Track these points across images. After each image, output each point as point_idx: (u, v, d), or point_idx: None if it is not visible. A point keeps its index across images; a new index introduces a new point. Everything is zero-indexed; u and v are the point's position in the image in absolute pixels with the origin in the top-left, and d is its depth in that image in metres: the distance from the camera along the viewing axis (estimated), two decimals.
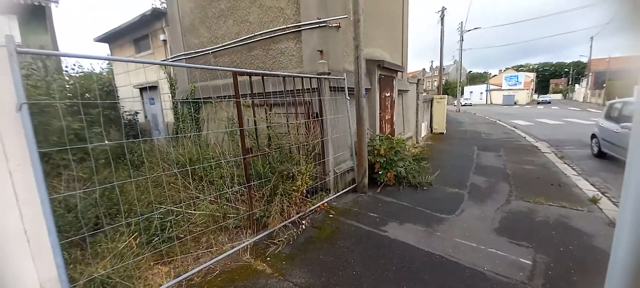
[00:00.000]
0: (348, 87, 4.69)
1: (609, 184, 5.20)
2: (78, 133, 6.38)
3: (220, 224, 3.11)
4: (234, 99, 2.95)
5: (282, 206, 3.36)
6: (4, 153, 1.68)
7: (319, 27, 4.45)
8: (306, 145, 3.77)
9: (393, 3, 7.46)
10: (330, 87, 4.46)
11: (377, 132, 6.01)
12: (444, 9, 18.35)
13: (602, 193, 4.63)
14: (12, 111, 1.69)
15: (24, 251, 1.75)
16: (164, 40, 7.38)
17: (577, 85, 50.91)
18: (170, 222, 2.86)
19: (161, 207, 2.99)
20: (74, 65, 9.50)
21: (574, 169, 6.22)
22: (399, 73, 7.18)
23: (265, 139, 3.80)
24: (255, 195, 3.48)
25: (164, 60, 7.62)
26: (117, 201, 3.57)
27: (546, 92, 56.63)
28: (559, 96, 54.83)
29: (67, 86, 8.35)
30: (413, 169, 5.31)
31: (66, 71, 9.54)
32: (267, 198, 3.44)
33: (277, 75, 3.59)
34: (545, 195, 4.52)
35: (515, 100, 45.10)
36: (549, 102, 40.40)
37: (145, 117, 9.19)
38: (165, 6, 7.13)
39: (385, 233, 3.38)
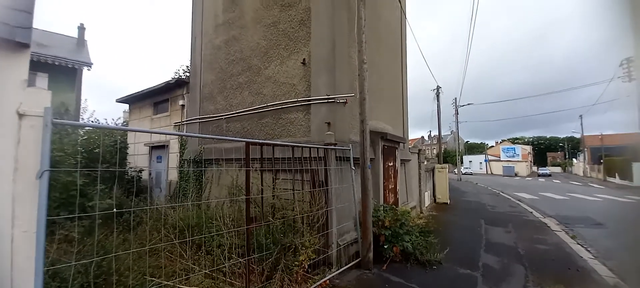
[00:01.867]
0: (353, 157, 4.80)
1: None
2: (81, 189, 6.34)
3: None
4: (245, 168, 3.00)
5: (282, 284, 3.13)
6: (11, 219, 1.66)
7: (328, 102, 4.78)
8: (311, 215, 3.69)
9: (394, 81, 8.13)
10: (336, 157, 4.57)
11: (381, 201, 5.92)
12: (438, 87, 19.89)
13: (622, 279, 4.31)
14: (31, 177, 1.73)
15: None
16: (182, 105, 7.88)
17: (574, 159, 51.70)
18: None
19: (153, 280, 2.79)
20: (90, 119, 9.94)
21: (588, 251, 5.91)
22: (400, 144, 7.41)
23: (270, 207, 3.74)
24: (254, 269, 3.28)
25: (179, 122, 8.00)
26: (106, 269, 3.36)
27: (544, 165, 57.27)
28: (558, 169, 55.23)
29: (78, 140, 8.62)
30: (420, 245, 5.07)
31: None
32: (267, 274, 3.22)
33: (287, 145, 3.73)
34: (564, 281, 4.22)
35: (516, 171, 45.35)
36: (550, 175, 40.56)
37: (149, 174, 9.22)
38: (188, 75, 7.82)
39: None
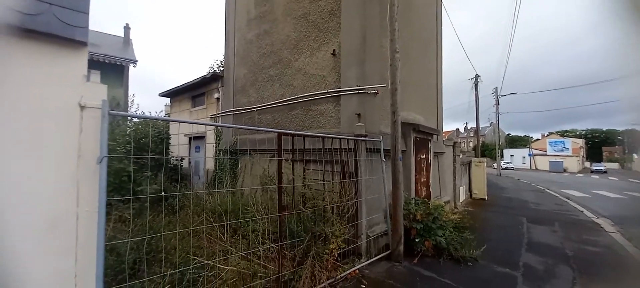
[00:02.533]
0: (384, 149, 4.71)
1: None
2: (130, 175, 6.99)
3: (248, 285, 3.02)
4: (276, 157, 3.09)
5: (313, 270, 3.21)
6: (76, 199, 1.89)
7: (358, 93, 4.71)
8: (341, 205, 3.71)
9: (428, 70, 7.77)
10: (366, 149, 4.52)
11: (413, 194, 5.77)
12: (477, 76, 18.58)
13: None
14: (92, 163, 1.94)
15: None
16: (217, 98, 8.29)
17: (634, 155, 45.73)
18: (203, 277, 2.84)
19: (195, 259, 3.02)
20: (138, 111, 10.83)
21: None
22: (434, 136, 7.11)
23: (300, 196, 3.83)
24: (286, 255, 3.39)
25: (215, 114, 8.43)
26: (155, 247, 3.69)
27: (599, 160, 51.32)
28: (615, 165, 49.25)
29: (128, 131, 9.46)
30: (454, 240, 4.87)
31: (131, 118, 10.88)
32: (299, 260, 3.32)
33: (318, 136, 3.76)
34: (617, 286, 3.81)
35: (564, 167, 41.33)
36: (605, 171, 36.29)
37: (189, 162, 9.88)
38: (223, 70, 8.17)
39: None
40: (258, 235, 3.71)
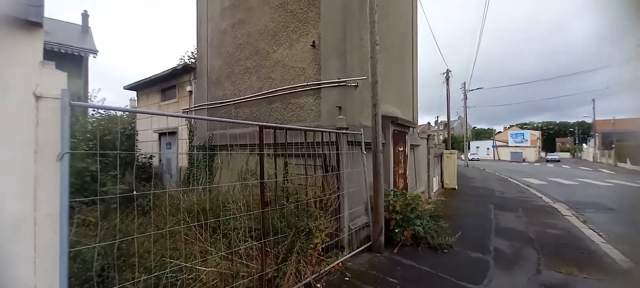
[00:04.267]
0: (364, 141, 4.75)
1: None
2: (94, 175, 6.45)
3: (231, 286, 2.90)
4: (258, 151, 2.98)
5: (298, 266, 3.16)
6: (34, 202, 1.67)
7: (338, 85, 4.68)
8: (324, 199, 3.68)
9: (404, 64, 7.93)
10: (347, 141, 4.52)
11: (391, 186, 5.90)
12: (448, 71, 19.41)
13: (636, 262, 4.26)
14: (52, 159, 1.72)
15: None
16: (190, 91, 7.85)
17: (584, 145, 50.83)
18: (181, 281, 2.68)
19: (172, 263, 2.84)
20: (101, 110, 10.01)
21: (600, 235, 5.85)
22: (410, 128, 7.31)
23: (283, 191, 3.74)
24: (269, 252, 3.31)
25: (188, 108, 7.99)
26: (126, 251, 3.43)
27: (553, 150, 56.38)
28: (567, 155, 54.40)
29: (89, 128, 8.69)
30: (431, 229, 5.07)
31: (92, 114, 10.03)
32: (282, 256, 3.25)
33: (300, 130, 3.68)
34: (577, 264, 4.20)
35: (524, 157, 44.84)
36: (558, 160, 39.99)
37: (160, 161, 9.33)
38: (195, 61, 7.73)
39: None
40: (239, 233, 3.58)
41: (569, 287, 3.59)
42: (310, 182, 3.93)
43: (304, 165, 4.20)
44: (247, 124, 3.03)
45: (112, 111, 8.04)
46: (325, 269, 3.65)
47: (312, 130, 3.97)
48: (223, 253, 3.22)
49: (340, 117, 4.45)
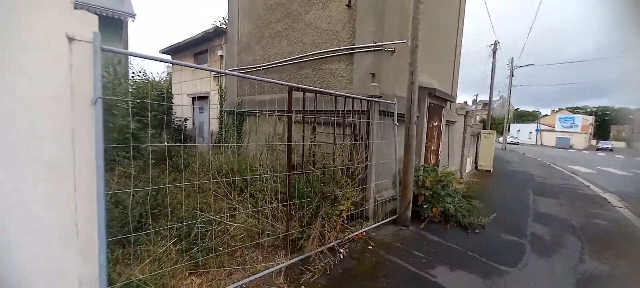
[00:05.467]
0: (397, 113, 4.48)
1: None
2: (134, 132, 6.88)
3: (256, 241, 2.97)
4: (286, 114, 2.89)
5: (322, 230, 3.14)
6: (72, 145, 1.72)
7: (373, 50, 4.36)
8: (352, 168, 3.57)
9: (447, 34, 7.23)
10: (379, 111, 4.28)
11: (422, 161, 5.62)
12: (496, 42, 17.53)
13: None
14: (87, 104, 1.75)
15: (70, 245, 1.74)
16: (221, 56, 7.88)
17: None
18: (211, 232, 2.78)
19: (203, 215, 2.95)
20: (140, 72, 10.53)
21: None
22: (448, 103, 6.80)
23: (310, 157, 3.68)
24: (294, 215, 3.32)
25: (219, 73, 8.08)
26: (161, 202, 3.64)
27: (606, 139, 50.55)
28: (621, 144, 48.60)
29: (131, 90, 9.20)
30: (463, 207, 4.81)
31: (132, 76, 10.58)
32: (307, 220, 3.25)
33: (330, 94, 3.51)
34: (627, 257, 3.78)
35: (571, 143, 40.88)
36: (611, 149, 35.89)
37: (193, 124, 9.72)
38: (226, 26, 7.66)
39: (434, 279, 2.98)
40: (265, 194, 3.63)
41: (617, 280, 3.25)
42: (338, 150, 3.82)
43: (333, 134, 4.07)
44: (277, 83, 2.92)
45: (150, 75, 8.36)
46: (349, 236, 3.63)
47: (343, 96, 3.78)
48: (250, 212, 3.29)
49: (373, 84, 4.18)
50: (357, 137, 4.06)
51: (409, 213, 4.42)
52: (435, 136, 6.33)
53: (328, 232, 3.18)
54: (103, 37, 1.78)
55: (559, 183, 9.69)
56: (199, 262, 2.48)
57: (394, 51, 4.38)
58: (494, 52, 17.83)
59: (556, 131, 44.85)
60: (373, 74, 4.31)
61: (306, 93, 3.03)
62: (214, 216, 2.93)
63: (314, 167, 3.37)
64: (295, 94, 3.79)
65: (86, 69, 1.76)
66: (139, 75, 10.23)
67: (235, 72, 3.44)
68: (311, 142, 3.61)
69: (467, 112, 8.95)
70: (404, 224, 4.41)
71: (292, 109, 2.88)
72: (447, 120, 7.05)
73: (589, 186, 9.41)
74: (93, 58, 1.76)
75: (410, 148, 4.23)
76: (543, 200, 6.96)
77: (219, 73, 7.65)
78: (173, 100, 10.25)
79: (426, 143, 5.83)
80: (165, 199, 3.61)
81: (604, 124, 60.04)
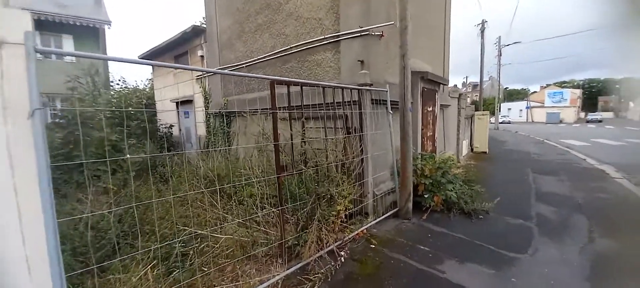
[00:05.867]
0: (390, 100, 4.24)
1: None
2: (115, 144, 6.51)
3: (249, 254, 2.71)
4: (270, 110, 2.62)
5: (319, 234, 2.91)
6: (10, 168, 1.43)
7: (360, 36, 4.09)
8: (346, 163, 3.32)
9: (435, 14, 6.99)
10: (371, 100, 4.03)
11: (419, 149, 5.41)
12: (484, 21, 17.39)
13: None
14: (23, 117, 1.46)
15: (23, 284, 1.46)
16: (202, 56, 7.51)
17: (631, 103, 45.75)
18: (196, 249, 2.51)
19: (185, 229, 2.67)
20: (119, 81, 10.08)
21: None
22: (441, 86, 6.58)
23: (301, 155, 3.41)
24: (289, 219, 3.07)
25: (200, 76, 7.71)
26: (141, 218, 3.35)
27: (594, 110, 51.32)
28: (610, 115, 49.44)
29: (113, 100, 8.78)
30: (465, 193, 4.62)
31: (112, 85, 10.11)
32: (303, 224, 3.00)
33: (317, 85, 3.24)
34: (634, 233, 3.66)
35: (561, 118, 41.40)
36: (601, 121, 36.49)
37: (180, 130, 9.35)
38: (205, 24, 7.28)
39: (443, 275, 2.77)
40: (256, 199, 3.36)
41: (629, 257, 3.09)
42: (330, 146, 3.56)
43: (324, 128, 3.81)
44: (256, 77, 2.64)
45: (136, 83, 7.95)
46: (349, 237, 3.40)
47: (331, 87, 3.51)
48: (239, 221, 3.03)
49: (362, 72, 3.92)
50: (350, 130, 3.81)
51: (410, 205, 4.21)
52: (431, 121, 6.12)
53: (326, 234, 2.94)
54: (81, 48, 1.51)
55: (555, 159, 9.63)
56: (182, 286, 2.21)
57: (382, 35, 4.13)
58: (482, 31, 17.69)
59: (546, 107, 45.37)
60: (362, 61, 4.05)
61: (291, 86, 2.76)
62: (200, 230, 2.65)
63: (305, 166, 3.11)
64: (280, 89, 3.50)
65: (20, 76, 1.46)
66: (118, 84, 9.80)
67: (214, 69, 3.13)
68: (301, 140, 3.34)
69: (460, 95, 8.78)
70: (405, 217, 4.20)
71: (276, 105, 2.61)
72: (441, 104, 6.85)
73: (585, 159, 9.37)
74: (26, 63, 1.46)
75: (407, 137, 4.00)
76: (543, 178, 6.85)
77: (196, 70, 7.30)
78: (157, 107, 9.85)
79: (422, 129, 5.62)
80: (147, 213, 3.33)
81: (591, 96, 60.99)
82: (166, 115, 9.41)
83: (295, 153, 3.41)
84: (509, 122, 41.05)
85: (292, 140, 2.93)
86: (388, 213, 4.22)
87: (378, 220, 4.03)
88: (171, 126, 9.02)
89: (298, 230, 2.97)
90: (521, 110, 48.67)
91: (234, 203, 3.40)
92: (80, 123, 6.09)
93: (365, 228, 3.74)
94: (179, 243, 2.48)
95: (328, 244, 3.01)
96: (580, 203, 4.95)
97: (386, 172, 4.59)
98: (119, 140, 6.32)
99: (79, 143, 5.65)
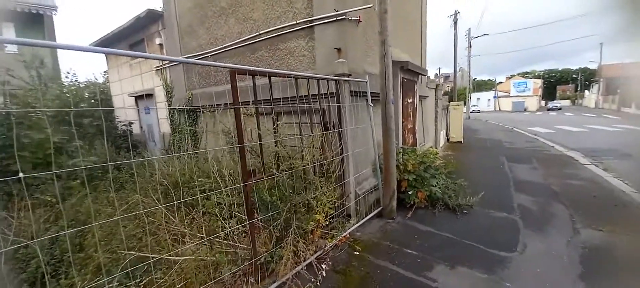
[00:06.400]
0: (371, 92, 3.91)
1: None
2: (60, 147, 5.65)
3: (214, 278, 2.27)
4: (232, 107, 2.17)
5: (296, 247, 2.53)
6: None
7: (336, 21, 3.70)
8: (324, 163, 2.95)
9: (412, 3, 6.73)
10: (350, 92, 3.67)
11: (400, 143, 5.18)
12: (457, 12, 17.63)
13: None
14: None
15: None
16: (160, 44, 6.72)
17: (586, 91, 49.71)
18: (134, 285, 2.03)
19: (131, 254, 2.17)
20: (68, 73, 8.92)
21: (627, 185, 5.31)
22: (420, 77, 6.40)
23: (273, 157, 2.99)
24: (261, 232, 2.66)
25: (159, 66, 6.93)
26: (81, 240, 2.78)
27: (553, 99, 55.17)
28: (567, 102, 53.51)
29: (66, 95, 7.70)
30: (448, 188, 4.46)
31: (67, 79, 8.93)
32: (277, 236, 2.61)
33: (289, 75, 2.81)
34: (615, 220, 3.68)
35: (526, 106, 44.00)
36: (560, 108, 39.26)
37: (141, 127, 8.48)
38: (162, 8, 6.49)
39: (434, 284, 2.52)
40: (224, 209, 2.90)
41: (616, 247, 3.05)
42: (306, 144, 3.17)
43: (298, 124, 3.41)
44: (216, 65, 2.18)
45: (92, 76, 6.99)
46: (330, 245, 3.06)
47: (305, 77, 3.10)
48: (202, 236, 2.56)
49: (339, 60, 3.54)
50: (328, 125, 3.43)
51: (394, 203, 3.96)
52: (411, 113, 5.92)
53: (304, 247, 2.57)
54: (25, 37, 0.98)
55: (526, 147, 9.96)
56: None
57: (359, 20, 3.76)
58: (455, 22, 17.97)
59: (512, 96, 47.93)
60: (338, 49, 3.67)
61: (256, 76, 2.31)
62: (150, 254, 2.17)
63: (278, 169, 2.69)
64: (246, 81, 3.04)
65: None
66: (67, 78, 8.69)
67: (168, 57, 2.68)
68: (273, 140, 2.92)
69: (437, 85, 8.72)
70: (390, 216, 3.94)
71: (239, 99, 2.16)
72: (420, 96, 6.68)
73: (553, 146, 9.77)
74: None
75: (390, 131, 3.70)
76: (517, 166, 6.96)
77: (150, 58, 6.54)
78: (112, 102, 8.87)
79: (403, 122, 5.39)
80: (88, 236, 2.77)
81: (550, 85, 65.53)
82: (125, 111, 8.49)
83: (266, 155, 2.98)
84: (479, 112, 42.91)
85: (260, 140, 2.49)
86: (372, 214, 3.93)
87: (361, 222, 3.73)
88: (131, 123, 8.13)
89: (272, 244, 2.57)
90: (489, 99, 51.07)
91: (198, 214, 2.92)
92: (15, 123, 5.22)
93: (348, 233, 3.43)
94: (121, 274, 1.99)
95: (306, 258, 2.64)
96: (557, 191, 5.00)
97: (368, 168, 4.30)
98: (65, 141, 5.50)
99: (7, 147, 4.81)
